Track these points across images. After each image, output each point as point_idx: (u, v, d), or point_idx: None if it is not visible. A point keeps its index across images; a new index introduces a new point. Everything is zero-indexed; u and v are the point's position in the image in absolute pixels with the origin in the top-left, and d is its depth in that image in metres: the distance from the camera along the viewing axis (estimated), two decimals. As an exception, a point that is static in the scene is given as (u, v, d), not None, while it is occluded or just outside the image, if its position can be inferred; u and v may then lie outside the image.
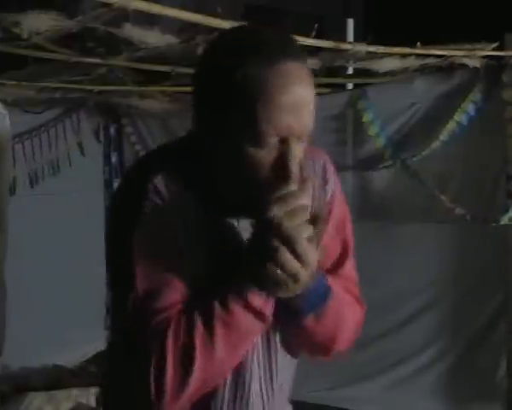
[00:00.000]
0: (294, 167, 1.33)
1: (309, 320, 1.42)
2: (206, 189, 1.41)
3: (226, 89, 1.33)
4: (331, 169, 1.59)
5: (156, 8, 2.40)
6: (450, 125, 3.91)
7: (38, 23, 2.48)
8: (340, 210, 1.60)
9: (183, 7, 2.72)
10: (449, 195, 3.97)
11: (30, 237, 4.83)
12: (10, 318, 4.63)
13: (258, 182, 1.35)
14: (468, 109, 3.87)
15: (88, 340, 5.42)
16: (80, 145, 5.26)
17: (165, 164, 1.42)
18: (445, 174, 4.06)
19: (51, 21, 2.50)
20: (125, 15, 2.46)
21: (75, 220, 5.14)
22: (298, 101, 1.32)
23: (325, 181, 1.57)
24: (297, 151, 1.34)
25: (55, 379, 4.61)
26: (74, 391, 4.31)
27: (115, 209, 1.49)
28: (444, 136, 3.93)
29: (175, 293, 1.36)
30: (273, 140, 1.32)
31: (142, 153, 5.39)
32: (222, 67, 1.33)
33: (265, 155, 1.33)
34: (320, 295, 1.40)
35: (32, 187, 4.94)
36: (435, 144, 3.96)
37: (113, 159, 5.61)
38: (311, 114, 1.35)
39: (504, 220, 3.71)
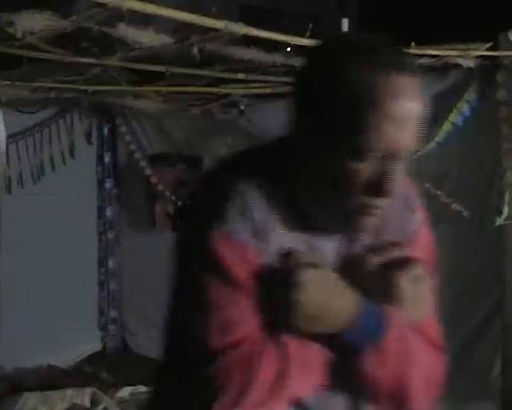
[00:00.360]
0: (392, 187, 1.28)
1: (368, 358, 1.32)
2: (290, 201, 1.34)
3: (334, 93, 1.26)
4: (418, 197, 1.53)
5: (151, 8, 2.39)
6: (446, 126, 3.91)
7: (32, 23, 2.48)
8: (428, 243, 1.52)
9: (178, 7, 2.71)
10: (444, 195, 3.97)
11: (23, 237, 4.84)
12: (5, 318, 4.63)
13: (349, 197, 1.29)
14: (463, 110, 3.86)
15: (82, 340, 5.43)
16: (72, 146, 5.25)
17: (252, 172, 1.36)
18: (440, 174, 4.06)
19: (45, 21, 2.49)
20: (119, 15, 2.46)
21: (68, 220, 5.14)
22: (407, 115, 1.27)
23: (412, 210, 1.49)
24: (397, 170, 1.29)
25: (50, 380, 4.60)
26: (69, 392, 4.30)
27: (194, 214, 1.43)
28: (439, 137, 3.93)
29: (253, 319, 1.31)
30: (376, 154, 1.26)
31: (136, 153, 5.39)
32: (333, 71, 1.27)
33: (364, 169, 1.27)
34: (374, 327, 1.31)
35: (26, 187, 4.93)
36: (430, 145, 3.96)
37: (106, 159, 5.61)
38: (417, 132, 1.29)
39: (500, 221, 3.71)
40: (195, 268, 1.35)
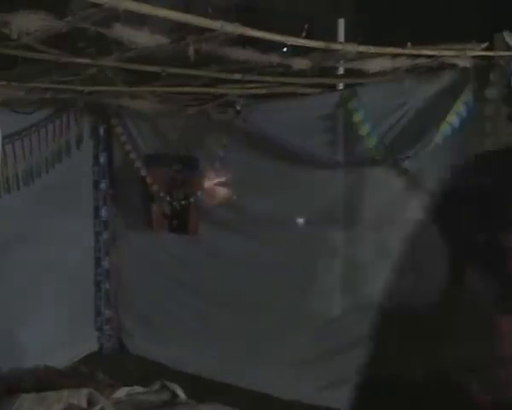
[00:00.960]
0: None
1: None
2: None
3: None
4: None
5: (146, 9, 2.39)
6: (443, 127, 3.91)
7: (28, 23, 2.47)
8: None
9: (174, 7, 2.71)
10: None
11: (19, 237, 4.83)
12: (1, 319, 4.61)
13: None
14: (460, 110, 3.87)
15: (79, 341, 5.42)
16: (67, 146, 5.26)
17: None
18: (438, 174, 4.07)
19: (41, 21, 2.49)
20: (115, 15, 2.45)
21: (65, 221, 5.13)
22: None
23: None
24: None
25: (46, 380, 4.59)
26: (65, 392, 4.29)
27: None
28: (438, 138, 3.93)
29: None
30: None
31: (132, 153, 5.40)
32: None
33: None
34: None
35: (22, 187, 4.92)
36: (429, 146, 3.96)
37: (102, 159, 5.61)
38: None
39: None
40: None
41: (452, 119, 3.88)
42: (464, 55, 3.54)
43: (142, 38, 2.73)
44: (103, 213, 5.68)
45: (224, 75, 3.82)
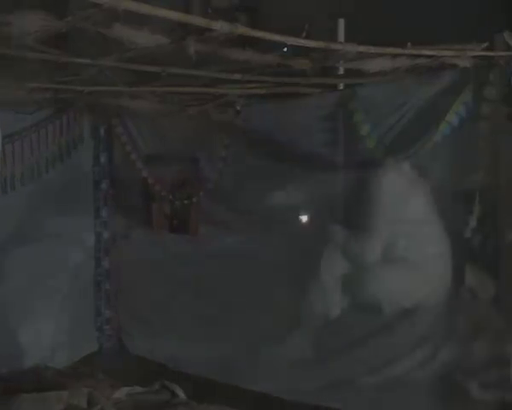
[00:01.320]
0: None
1: None
2: None
3: None
4: None
5: (146, 9, 2.39)
6: (443, 127, 3.91)
7: (28, 23, 2.47)
8: None
9: (174, 7, 2.71)
10: (441, 195, 4.00)
11: (20, 236, 4.83)
12: (1, 319, 4.61)
13: None
14: (459, 110, 3.86)
15: (79, 341, 5.42)
16: (68, 147, 5.26)
17: None
18: (438, 174, 4.08)
19: (41, 21, 2.49)
20: (115, 15, 2.45)
21: (65, 221, 5.13)
22: None
23: None
24: None
25: (46, 380, 4.59)
26: (65, 392, 4.30)
27: None
28: (437, 137, 3.94)
29: None
30: None
31: (133, 153, 5.40)
32: None
33: None
34: None
35: (22, 187, 4.92)
36: (428, 145, 3.96)
37: (102, 159, 5.61)
38: None
39: (472, 221, 3.73)
40: None
41: (452, 118, 3.88)
42: (464, 55, 3.54)
43: (142, 38, 2.74)
44: (104, 213, 5.68)
45: (223, 75, 3.82)
